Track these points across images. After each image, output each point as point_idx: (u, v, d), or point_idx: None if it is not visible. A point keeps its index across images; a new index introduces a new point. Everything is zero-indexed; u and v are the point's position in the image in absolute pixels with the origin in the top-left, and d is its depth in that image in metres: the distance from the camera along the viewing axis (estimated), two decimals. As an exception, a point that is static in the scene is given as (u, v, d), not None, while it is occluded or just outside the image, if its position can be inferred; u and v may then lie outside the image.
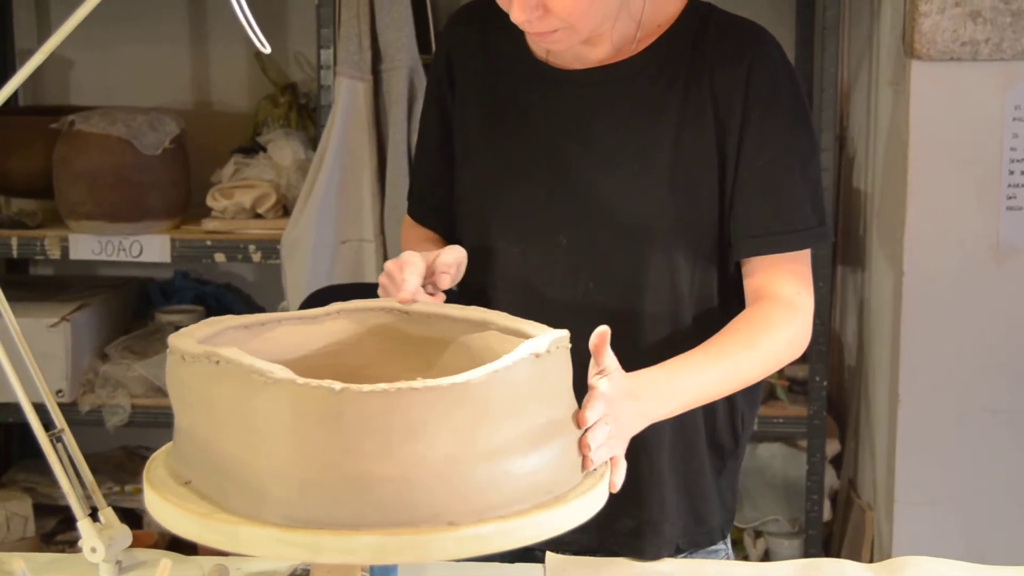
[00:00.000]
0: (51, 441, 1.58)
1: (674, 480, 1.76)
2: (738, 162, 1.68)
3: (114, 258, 3.24)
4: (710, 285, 1.72)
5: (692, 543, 1.79)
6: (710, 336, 1.65)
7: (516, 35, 1.76)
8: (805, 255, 1.72)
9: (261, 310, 3.72)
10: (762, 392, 1.86)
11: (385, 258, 3.14)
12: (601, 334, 1.43)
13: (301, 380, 1.21)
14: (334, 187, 3.12)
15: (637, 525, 1.75)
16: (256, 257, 3.24)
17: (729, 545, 1.85)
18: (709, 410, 1.75)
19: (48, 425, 1.59)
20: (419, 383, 1.22)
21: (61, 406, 1.65)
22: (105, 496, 1.63)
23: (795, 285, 1.70)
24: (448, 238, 1.84)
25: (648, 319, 1.70)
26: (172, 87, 3.70)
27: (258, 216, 3.29)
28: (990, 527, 2.92)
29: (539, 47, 1.75)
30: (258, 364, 1.24)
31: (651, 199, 1.68)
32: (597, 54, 1.72)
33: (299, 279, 3.12)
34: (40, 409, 1.58)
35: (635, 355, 1.58)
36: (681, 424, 1.72)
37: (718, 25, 1.72)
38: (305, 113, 3.56)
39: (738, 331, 1.66)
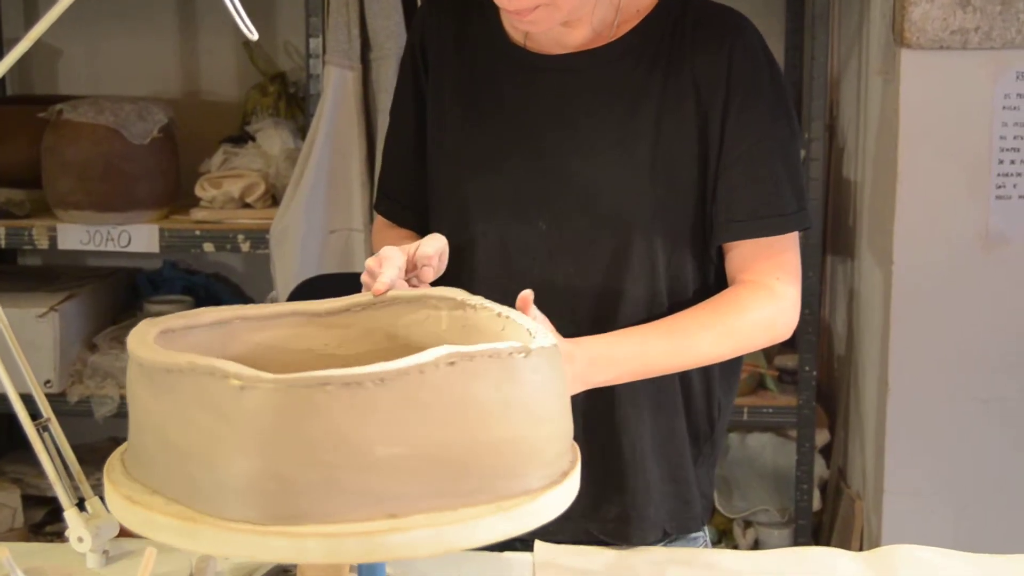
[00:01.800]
0: (37, 431, 1.57)
1: (656, 465, 1.76)
2: (721, 148, 1.68)
3: (102, 248, 3.23)
4: (685, 269, 1.72)
5: (677, 528, 1.79)
6: None
7: (492, 20, 1.75)
8: (790, 243, 1.73)
9: (250, 300, 3.71)
10: (739, 380, 1.87)
11: (374, 248, 3.13)
12: (523, 297, 1.46)
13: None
14: (323, 176, 3.12)
15: (622, 511, 1.75)
16: (245, 247, 3.23)
17: (707, 533, 1.86)
18: (686, 395, 1.75)
19: (36, 416, 1.59)
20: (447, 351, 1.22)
21: (49, 397, 1.65)
22: (94, 487, 1.62)
23: (776, 272, 1.70)
24: (423, 233, 1.83)
25: (627, 302, 1.70)
26: (161, 76, 3.70)
27: (247, 206, 3.28)
28: (978, 516, 2.93)
29: (517, 31, 1.74)
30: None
31: (631, 186, 1.68)
32: (576, 38, 1.72)
33: (288, 269, 3.11)
34: (28, 400, 1.57)
35: None
36: (661, 408, 1.73)
37: (697, 11, 1.71)
38: (294, 102, 3.55)
39: (701, 309, 1.67)
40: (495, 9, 1.66)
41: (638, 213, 1.68)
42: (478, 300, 1.43)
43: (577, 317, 1.61)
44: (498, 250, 1.73)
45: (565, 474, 1.31)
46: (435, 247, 1.59)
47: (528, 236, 1.71)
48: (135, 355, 1.28)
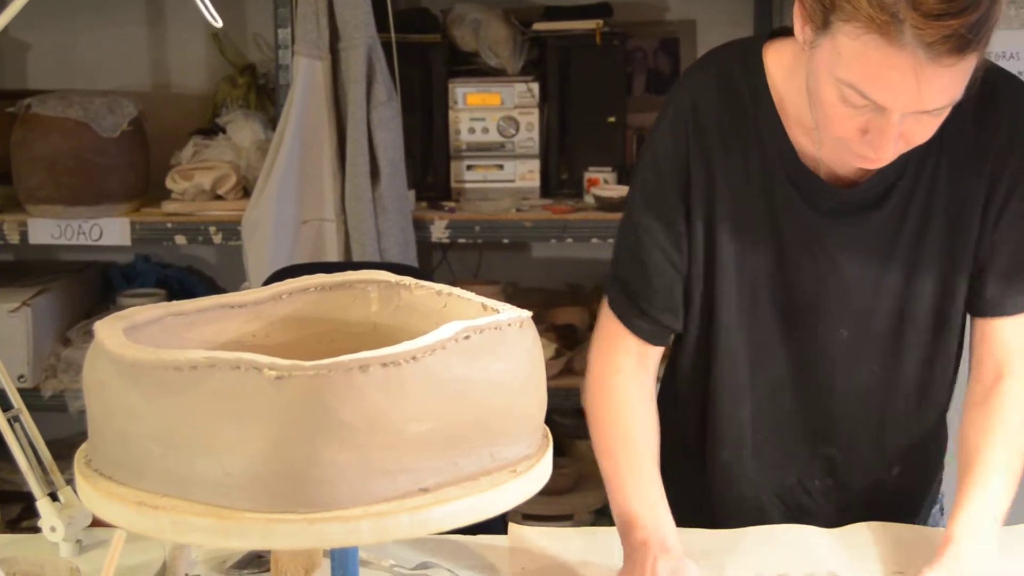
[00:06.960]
0: (8, 423, 1.57)
1: None
2: (999, 220, 1.70)
3: (74, 242, 3.22)
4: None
5: None
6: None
7: (777, 128, 1.70)
8: None
9: (223, 292, 3.70)
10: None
11: (346, 237, 3.13)
12: None
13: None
14: (294, 167, 3.11)
15: None
16: (217, 239, 3.23)
17: None
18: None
19: (8, 409, 1.59)
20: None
21: (23, 391, 1.65)
22: (69, 482, 1.62)
23: None
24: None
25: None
26: (130, 69, 3.68)
27: (218, 197, 3.28)
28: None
29: (811, 148, 1.69)
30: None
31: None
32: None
33: (260, 260, 3.11)
34: (0, 395, 1.58)
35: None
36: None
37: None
38: (264, 93, 3.55)
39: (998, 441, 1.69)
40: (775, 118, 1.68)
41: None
42: (411, 280, 1.44)
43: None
44: (798, 350, 1.78)
45: (545, 435, 1.37)
46: None
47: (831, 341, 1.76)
48: (122, 358, 1.24)
